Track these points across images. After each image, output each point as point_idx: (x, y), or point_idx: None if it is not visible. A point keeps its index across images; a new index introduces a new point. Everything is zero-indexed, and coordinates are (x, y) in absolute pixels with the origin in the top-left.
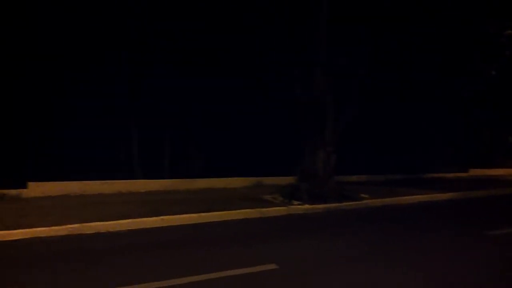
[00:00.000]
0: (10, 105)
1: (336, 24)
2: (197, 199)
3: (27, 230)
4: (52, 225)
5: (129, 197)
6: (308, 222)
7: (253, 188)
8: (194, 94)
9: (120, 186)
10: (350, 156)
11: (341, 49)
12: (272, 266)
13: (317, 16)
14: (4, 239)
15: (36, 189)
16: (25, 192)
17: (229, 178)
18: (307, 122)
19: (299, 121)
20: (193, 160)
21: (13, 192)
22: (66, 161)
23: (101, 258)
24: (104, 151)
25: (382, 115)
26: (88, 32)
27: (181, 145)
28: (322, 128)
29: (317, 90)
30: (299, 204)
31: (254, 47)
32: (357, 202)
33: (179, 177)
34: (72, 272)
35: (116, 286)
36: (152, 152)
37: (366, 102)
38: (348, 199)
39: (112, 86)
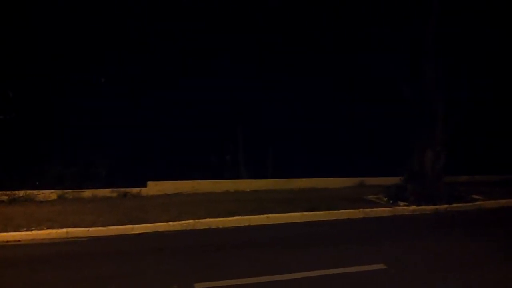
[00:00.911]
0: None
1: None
2: (299, 199)
3: (148, 225)
4: (168, 221)
5: (236, 196)
6: (415, 223)
7: (355, 188)
8: (296, 94)
9: (227, 185)
10: (463, 155)
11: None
12: (380, 266)
13: (428, 13)
14: (128, 233)
15: (154, 187)
16: (144, 190)
17: (331, 178)
18: (416, 121)
19: (407, 120)
20: (294, 159)
21: (135, 190)
22: (180, 164)
23: (215, 252)
24: (211, 153)
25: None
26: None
27: (283, 145)
28: (431, 127)
29: (426, 88)
30: (405, 205)
31: (361, 43)
32: (468, 204)
33: (282, 176)
34: (182, 262)
35: (226, 279)
36: (256, 152)
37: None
38: (459, 200)
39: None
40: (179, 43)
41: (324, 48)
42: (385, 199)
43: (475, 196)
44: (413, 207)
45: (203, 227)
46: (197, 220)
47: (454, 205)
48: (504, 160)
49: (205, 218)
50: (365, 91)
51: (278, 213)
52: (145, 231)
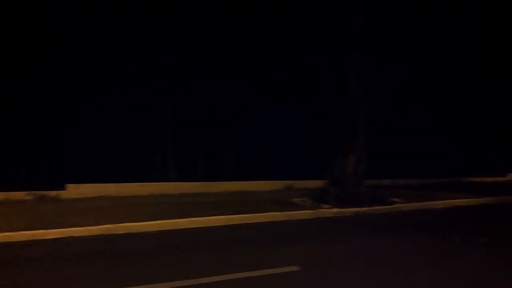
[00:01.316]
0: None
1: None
2: (227, 202)
3: (63, 229)
4: (86, 225)
5: (162, 199)
6: (335, 226)
7: (283, 191)
8: (223, 94)
9: (154, 188)
10: (383, 160)
11: (378, 53)
12: (294, 268)
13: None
14: (43, 238)
15: (74, 190)
16: (64, 193)
17: (260, 181)
18: (339, 125)
19: (332, 124)
20: (224, 163)
21: (53, 193)
22: (103, 163)
23: (127, 258)
24: (139, 153)
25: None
26: None
27: (213, 148)
28: (353, 131)
29: (351, 93)
30: (327, 208)
31: (289, 48)
32: (388, 207)
33: (211, 179)
34: (96, 269)
35: (135, 285)
36: (185, 155)
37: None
38: (378, 203)
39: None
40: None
41: (250, 49)
42: (310, 202)
43: (394, 199)
44: (335, 210)
45: (123, 232)
46: (117, 225)
47: (374, 207)
48: (425, 164)
49: (126, 222)
50: (294, 94)
51: (204, 216)
52: (59, 236)
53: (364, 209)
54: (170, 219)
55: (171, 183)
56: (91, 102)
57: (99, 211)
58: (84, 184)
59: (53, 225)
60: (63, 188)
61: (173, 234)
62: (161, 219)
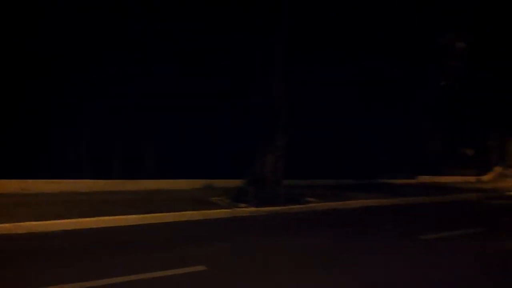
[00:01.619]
0: None
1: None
2: (143, 200)
3: None
4: None
5: (72, 197)
6: (249, 225)
7: (202, 190)
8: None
9: (64, 186)
10: (303, 162)
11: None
12: (201, 268)
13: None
14: None
15: None
16: None
17: (179, 180)
18: (260, 127)
19: (253, 126)
20: (144, 161)
21: None
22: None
23: (25, 259)
24: (49, 149)
25: (331, 123)
26: None
27: (132, 145)
28: (273, 132)
29: (272, 96)
30: (244, 207)
31: (211, 50)
32: (302, 206)
33: (129, 178)
34: None
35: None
36: (102, 152)
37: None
38: (294, 202)
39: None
40: None
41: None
42: (227, 201)
43: (309, 199)
44: (251, 209)
45: (23, 231)
46: (16, 224)
47: (289, 206)
48: (342, 166)
49: (27, 221)
50: (217, 95)
51: (115, 215)
52: None
53: (280, 208)
54: (78, 218)
55: (85, 181)
56: None
57: None
58: None
59: None
60: None
61: (78, 234)
62: (68, 218)
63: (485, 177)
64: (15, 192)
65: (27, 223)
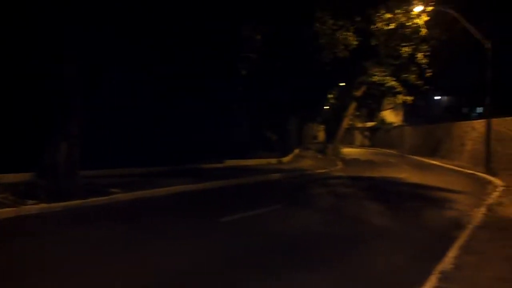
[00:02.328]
0: None
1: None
2: None
3: None
4: None
5: None
6: (37, 224)
7: None
8: None
9: None
10: (108, 150)
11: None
12: None
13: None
14: None
15: None
16: None
17: None
18: (50, 114)
19: (43, 112)
20: None
21: None
22: None
23: None
24: None
25: (139, 109)
26: None
27: None
28: (66, 120)
29: (64, 81)
30: (34, 204)
31: None
32: (105, 198)
33: None
34: None
35: None
36: None
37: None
38: (95, 194)
39: None
40: None
41: None
42: (12, 198)
43: (114, 190)
44: (42, 205)
45: None
46: None
47: (90, 199)
48: (150, 152)
49: None
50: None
51: None
52: None
53: (77, 202)
54: None
55: None
56: None
57: None
58: None
59: None
60: None
61: None
62: None
63: (285, 159)
64: None
65: None
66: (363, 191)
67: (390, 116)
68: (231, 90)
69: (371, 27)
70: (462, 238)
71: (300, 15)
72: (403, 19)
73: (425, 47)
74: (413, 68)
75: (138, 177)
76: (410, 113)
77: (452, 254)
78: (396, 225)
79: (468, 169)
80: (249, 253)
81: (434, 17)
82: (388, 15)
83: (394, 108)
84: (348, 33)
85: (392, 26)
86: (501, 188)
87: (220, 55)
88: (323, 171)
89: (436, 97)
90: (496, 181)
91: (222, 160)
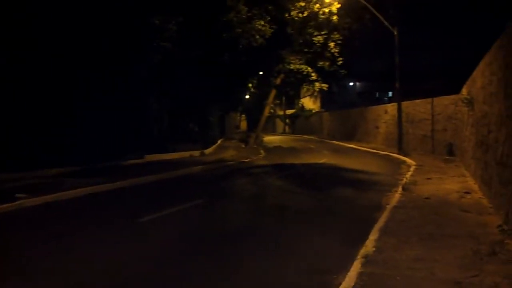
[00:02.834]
0: None
1: None
2: None
3: None
4: None
5: None
6: None
7: None
8: None
9: None
10: (13, 151)
11: None
12: None
13: None
14: None
15: None
16: None
17: None
18: None
19: None
20: None
21: None
22: None
23: None
24: None
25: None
26: None
27: None
28: None
29: None
30: None
31: None
32: (9, 204)
33: None
34: None
35: None
36: None
37: None
38: None
39: None
40: None
41: None
42: None
43: (19, 195)
44: None
45: None
46: None
47: None
48: (63, 152)
49: None
50: None
51: None
52: None
53: None
54: None
55: None
56: None
57: None
58: None
59: None
60: None
61: None
62: None
63: (208, 150)
64: None
65: None
66: (285, 179)
67: (309, 103)
68: (147, 82)
69: (286, 15)
70: (382, 220)
71: (213, 4)
72: (316, 7)
73: (337, 36)
74: (328, 55)
75: (51, 179)
76: (327, 99)
77: (373, 237)
78: (319, 210)
79: (383, 151)
80: (169, 254)
81: (345, 6)
82: (302, 3)
83: (312, 95)
84: (263, 22)
85: (306, 14)
86: (413, 168)
87: (132, 44)
88: (246, 160)
89: (350, 83)
90: (409, 160)
91: (143, 156)
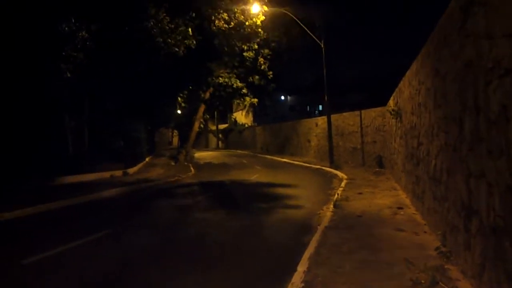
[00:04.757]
0: None
1: None
2: None
3: None
4: None
5: None
6: None
7: None
8: None
9: None
10: None
11: None
12: None
13: None
14: None
15: None
16: None
17: None
18: None
19: None
20: None
21: None
22: None
23: None
24: None
25: None
26: None
27: None
28: None
29: None
30: None
31: None
32: None
33: None
34: None
35: None
36: None
37: None
38: None
39: None
40: None
41: None
42: None
43: None
44: None
45: None
46: None
47: None
48: None
49: None
50: None
51: None
52: None
53: None
54: None
55: None
56: None
57: None
58: None
59: None
60: None
61: None
62: None
63: (132, 169)
64: None
65: None
66: (211, 199)
67: (242, 118)
68: (60, 96)
69: (212, 26)
70: (312, 245)
71: (130, 11)
72: (241, 17)
73: (266, 51)
74: (259, 69)
75: None
76: (260, 113)
77: (302, 268)
78: (243, 238)
79: (315, 164)
80: None
81: (273, 19)
82: (224, 15)
83: (244, 109)
84: (187, 32)
85: (232, 24)
86: (345, 182)
87: (35, 53)
88: (173, 179)
89: (282, 97)
90: (341, 174)
91: (53, 178)
